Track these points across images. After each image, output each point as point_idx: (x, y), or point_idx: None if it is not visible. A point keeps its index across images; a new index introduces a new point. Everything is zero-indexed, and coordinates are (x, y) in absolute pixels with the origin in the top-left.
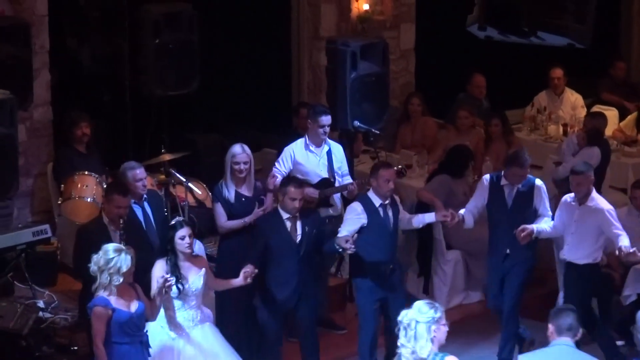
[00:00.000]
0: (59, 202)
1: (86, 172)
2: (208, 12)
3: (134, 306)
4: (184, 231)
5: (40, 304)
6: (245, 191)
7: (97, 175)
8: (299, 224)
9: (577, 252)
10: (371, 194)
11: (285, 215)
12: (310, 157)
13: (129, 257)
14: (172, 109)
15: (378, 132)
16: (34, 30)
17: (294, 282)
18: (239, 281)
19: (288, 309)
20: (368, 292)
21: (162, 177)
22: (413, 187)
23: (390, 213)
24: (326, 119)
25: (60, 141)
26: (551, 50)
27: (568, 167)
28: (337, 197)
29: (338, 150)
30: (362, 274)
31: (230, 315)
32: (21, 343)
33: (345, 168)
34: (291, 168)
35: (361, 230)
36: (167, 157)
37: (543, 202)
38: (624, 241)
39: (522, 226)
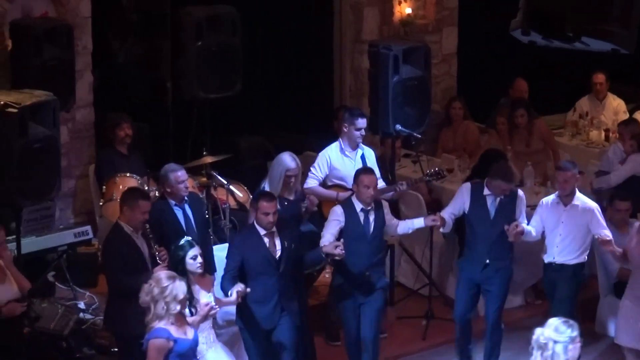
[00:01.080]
0: (101, 203)
1: (128, 174)
2: (250, 14)
3: (190, 332)
4: (195, 251)
5: (81, 305)
6: (288, 195)
7: (138, 177)
8: (277, 240)
9: (569, 253)
10: (354, 199)
11: (262, 232)
12: (346, 161)
13: (183, 283)
14: (214, 111)
15: (419, 136)
16: (76, 31)
17: (274, 299)
18: (232, 299)
19: (270, 328)
20: (345, 296)
21: (204, 179)
22: (454, 191)
23: (371, 219)
24: (363, 122)
25: (102, 143)
26: (594, 55)
27: (619, 174)
28: None
29: (370, 154)
30: (340, 278)
31: None
32: (62, 344)
33: (377, 172)
34: (327, 173)
35: (339, 234)
36: (208, 159)
37: (522, 212)
38: (607, 233)
39: (515, 223)
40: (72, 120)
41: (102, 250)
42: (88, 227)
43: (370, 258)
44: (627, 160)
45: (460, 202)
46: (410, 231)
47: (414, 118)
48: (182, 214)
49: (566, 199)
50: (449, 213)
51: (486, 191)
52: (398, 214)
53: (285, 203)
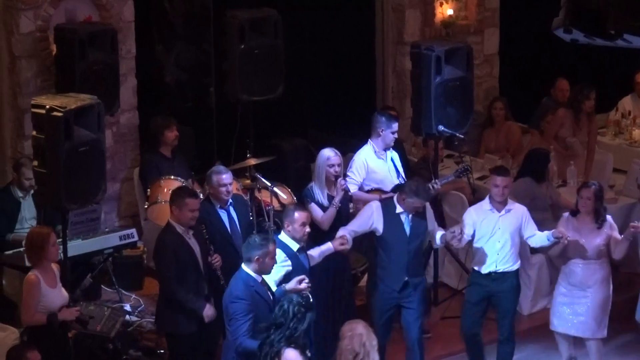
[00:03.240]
0: (145, 206)
1: (172, 177)
2: (293, 17)
3: None
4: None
5: (127, 307)
6: (335, 191)
7: (183, 180)
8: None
9: (509, 259)
10: (286, 238)
11: (259, 279)
12: (381, 163)
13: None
14: (257, 114)
15: (462, 136)
16: (120, 36)
17: None
18: None
19: None
20: None
21: (248, 181)
22: None
23: (305, 256)
24: (397, 125)
25: (146, 146)
26: (636, 54)
27: None
28: None
29: (395, 156)
30: None
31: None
32: (108, 346)
33: (403, 173)
34: (365, 177)
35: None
36: (252, 161)
37: (432, 218)
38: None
39: (459, 228)
40: (116, 124)
41: (154, 250)
42: (133, 230)
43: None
44: None
45: (367, 221)
46: (320, 259)
47: (457, 119)
48: (227, 216)
49: (500, 204)
50: (349, 231)
51: (399, 209)
52: (442, 216)
53: (334, 204)
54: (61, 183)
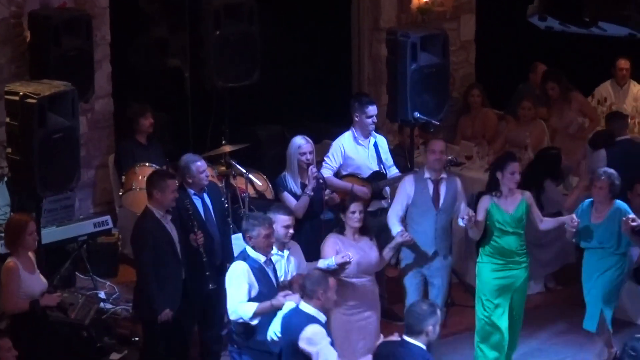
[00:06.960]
0: (120, 193)
1: (147, 164)
2: (268, 3)
3: None
4: None
5: (102, 295)
6: (307, 179)
7: (158, 167)
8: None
9: None
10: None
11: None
12: (360, 150)
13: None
14: (233, 100)
15: (438, 123)
16: (95, 22)
17: None
18: None
19: None
20: None
21: (223, 168)
22: (473, 178)
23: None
24: (374, 109)
25: (121, 133)
26: (615, 41)
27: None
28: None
29: (382, 141)
30: None
31: None
32: (82, 334)
33: (390, 160)
34: (341, 163)
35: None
36: (227, 148)
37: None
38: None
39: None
40: (91, 111)
41: (131, 236)
42: (108, 217)
43: None
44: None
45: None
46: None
47: (433, 105)
48: (201, 203)
49: (283, 245)
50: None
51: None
52: None
53: (307, 192)
54: (35, 170)
